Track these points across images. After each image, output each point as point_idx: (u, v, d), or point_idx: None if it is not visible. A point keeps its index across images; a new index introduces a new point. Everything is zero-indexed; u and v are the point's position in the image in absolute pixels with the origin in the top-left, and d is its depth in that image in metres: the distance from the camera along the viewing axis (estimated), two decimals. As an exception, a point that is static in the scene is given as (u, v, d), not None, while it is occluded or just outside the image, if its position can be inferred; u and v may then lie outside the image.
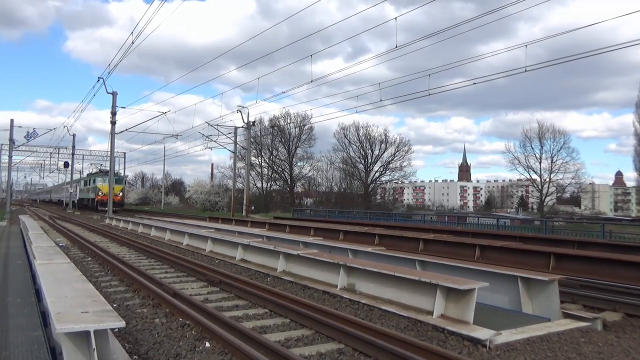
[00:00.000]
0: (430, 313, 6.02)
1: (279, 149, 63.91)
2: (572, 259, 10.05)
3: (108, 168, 44.62)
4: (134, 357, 4.80)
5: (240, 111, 34.69)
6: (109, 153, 35.89)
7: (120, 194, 41.77)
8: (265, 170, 64.72)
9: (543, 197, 62.31)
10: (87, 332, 3.69)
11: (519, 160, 62.17)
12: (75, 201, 51.51)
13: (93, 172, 51.25)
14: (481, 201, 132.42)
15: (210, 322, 5.61)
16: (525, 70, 13.59)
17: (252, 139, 42.92)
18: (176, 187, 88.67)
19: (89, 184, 48.07)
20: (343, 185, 66.05)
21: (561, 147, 60.52)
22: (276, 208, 57.19)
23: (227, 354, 4.82)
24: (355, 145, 64.00)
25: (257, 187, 64.10)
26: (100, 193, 41.36)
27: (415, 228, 18.39)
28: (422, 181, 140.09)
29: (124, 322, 3.93)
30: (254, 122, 36.16)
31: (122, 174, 48.23)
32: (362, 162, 64.33)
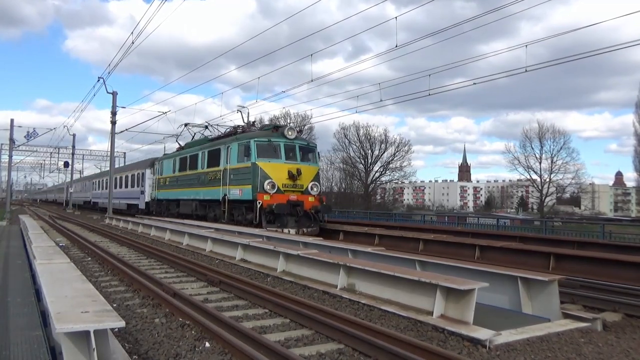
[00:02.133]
0: (430, 313, 6.02)
1: (279, 148, 63.58)
2: (572, 259, 10.05)
3: (266, 123, 26.71)
4: (134, 357, 4.80)
5: (240, 111, 34.52)
6: (109, 153, 35.85)
7: (314, 188, 17.64)
8: (266, 170, 64.36)
9: (543, 198, 62.34)
10: (87, 332, 3.69)
11: (519, 161, 62.31)
12: (152, 199, 27.14)
13: (224, 131, 23.22)
14: (481, 201, 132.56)
15: (210, 322, 5.62)
16: (526, 71, 13.58)
17: (252, 139, 42.57)
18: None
19: (226, 159, 18.75)
20: (343, 185, 66.08)
21: (561, 148, 60.67)
22: (276, 208, 56.98)
23: (227, 354, 4.82)
24: (355, 145, 64.03)
25: (257, 187, 63.73)
26: (268, 186, 16.51)
27: (415, 228, 18.38)
28: (422, 181, 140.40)
29: (124, 322, 3.94)
30: (254, 122, 36.10)
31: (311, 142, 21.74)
32: (362, 162, 64.36)
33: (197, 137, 25.92)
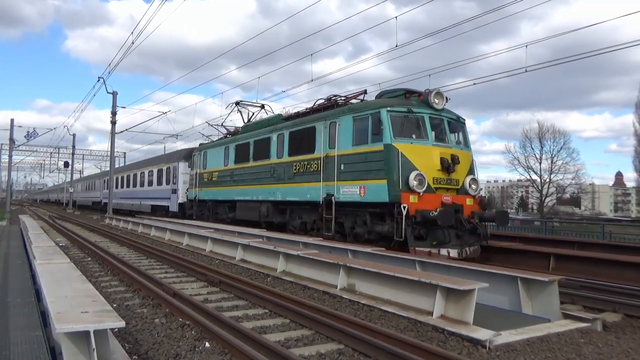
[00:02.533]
0: (430, 313, 6.02)
1: (280, 148, 63.38)
2: (572, 259, 10.05)
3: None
4: (134, 357, 4.80)
5: (240, 111, 34.62)
6: (109, 153, 35.85)
7: (473, 184, 11.40)
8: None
9: (543, 198, 62.28)
10: (87, 332, 3.69)
11: (519, 161, 62.15)
12: (190, 200, 21.86)
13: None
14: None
15: (210, 322, 5.62)
16: (526, 71, 13.56)
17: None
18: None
19: (327, 142, 12.67)
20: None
21: (561, 148, 60.52)
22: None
23: (227, 354, 4.82)
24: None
25: (257, 187, 63.53)
26: (415, 181, 10.32)
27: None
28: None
29: (124, 322, 3.94)
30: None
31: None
32: (362, 162, 64.06)
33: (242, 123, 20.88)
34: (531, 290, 6.60)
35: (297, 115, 15.87)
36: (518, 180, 76.16)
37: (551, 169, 61.14)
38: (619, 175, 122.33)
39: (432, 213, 9.99)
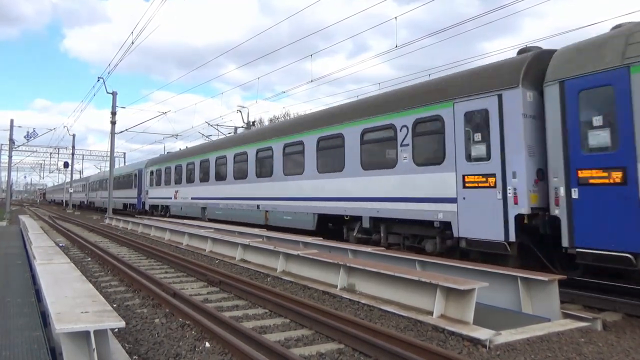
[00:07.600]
0: (430, 313, 6.02)
1: (280, 148, 63.26)
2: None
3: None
4: (134, 357, 4.80)
5: (240, 111, 34.62)
6: (109, 153, 35.83)
7: None
8: (266, 169, 63.99)
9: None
10: (87, 332, 3.69)
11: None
12: None
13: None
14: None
15: (210, 322, 5.62)
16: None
17: (252, 139, 42.27)
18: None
19: None
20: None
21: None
22: (276, 208, 56.72)
23: (227, 354, 4.82)
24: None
25: (257, 187, 63.39)
26: None
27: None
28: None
29: (124, 322, 3.94)
30: (253, 122, 36.16)
31: None
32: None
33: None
34: (531, 290, 6.59)
35: None
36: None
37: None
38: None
39: None
